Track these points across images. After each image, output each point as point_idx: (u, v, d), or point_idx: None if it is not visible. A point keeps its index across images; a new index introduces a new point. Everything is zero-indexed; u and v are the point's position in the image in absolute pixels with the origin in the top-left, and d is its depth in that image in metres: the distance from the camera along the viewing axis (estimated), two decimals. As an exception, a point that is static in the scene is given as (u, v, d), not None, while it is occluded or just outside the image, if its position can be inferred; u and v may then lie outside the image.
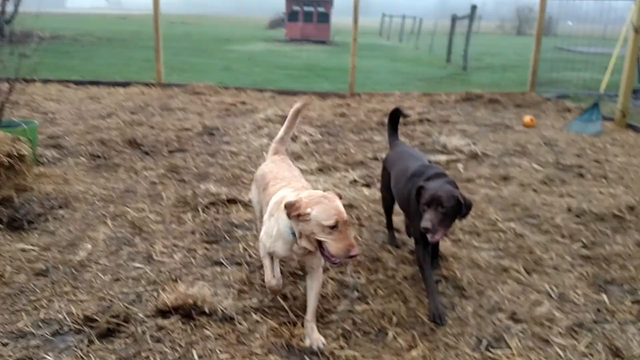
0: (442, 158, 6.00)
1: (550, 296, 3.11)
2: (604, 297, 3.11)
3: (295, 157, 5.86)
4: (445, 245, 3.72)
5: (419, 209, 2.90)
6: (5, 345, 2.49)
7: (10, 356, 2.41)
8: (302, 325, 2.68)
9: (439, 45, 23.92)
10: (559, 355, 2.57)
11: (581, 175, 5.49)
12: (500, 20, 56.67)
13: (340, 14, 32.39)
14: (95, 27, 32.74)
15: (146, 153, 5.79)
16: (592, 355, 2.58)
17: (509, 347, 2.62)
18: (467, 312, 2.93)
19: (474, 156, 6.10)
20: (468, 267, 3.45)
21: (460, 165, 5.76)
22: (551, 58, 11.29)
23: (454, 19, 19.05)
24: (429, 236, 2.81)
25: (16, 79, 5.12)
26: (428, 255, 3.01)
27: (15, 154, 4.21)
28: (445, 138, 6.63)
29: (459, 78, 14.46)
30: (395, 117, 3.93)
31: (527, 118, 7.92)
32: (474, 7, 16.80)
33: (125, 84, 10.34)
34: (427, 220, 2.76)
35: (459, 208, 2.81)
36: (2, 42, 5.18)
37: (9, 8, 17.43)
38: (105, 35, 25.82)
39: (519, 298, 3.08)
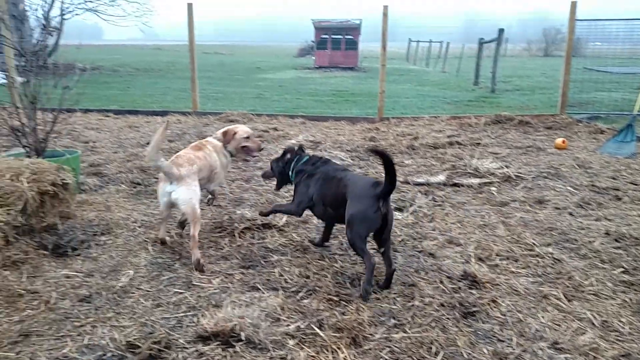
0: (475, 181, 5.96)
1: (593, 324, 3.04)
2: (650, 325, 3.02)
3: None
4: (482, 271, 3.69)
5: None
6: (53, 369, 2.57)
7: (58, 381, 2.49)
8: (340, 353, 2.69)
9: (465, 69, 23.94)
10: (605, 386, 2.51)
11: (618, 198, 5.37)
12: (526, 42, 56.25)
13: (367, 41, 32.79)
14: (133, 58, 34.00)
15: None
16: (639, 385, 2.51)
17: (552, 376, 2.57)
18: (507, 341, 2.88)
19: (507, 179, 6.05)
20: (507, 294, 3.41)
21: (493, 189, 5.72)
22: (580, 79, 11.16)
23: (481, 42, 19.06)
24: None
25: (60, 110, 5.36)
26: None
27: (60, 182, 4.37)
28: (477, 161, 6.60)
29: (488, 101, 14.39)
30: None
31: (559, 140, 7.82)
32: (501, 30, 16.82)
33: (162, 113, 10.69)
34: None
35: None
36: (46, 74, 5.41)
37: (51, 41, 18.32)
38: (142, 66, 26.78)
39: (560, 326, 3.02)
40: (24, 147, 5.12)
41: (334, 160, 4.29)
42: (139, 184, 5.70)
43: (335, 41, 30.33)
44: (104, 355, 2.69)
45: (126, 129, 8.95)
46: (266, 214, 4.28)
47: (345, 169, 4.07)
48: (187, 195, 3.74)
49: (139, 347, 2.71)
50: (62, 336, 2.86)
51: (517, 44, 54.91)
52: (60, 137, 7.45)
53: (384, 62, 10.69)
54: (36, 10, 5.68)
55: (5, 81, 5.57)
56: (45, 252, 3.86)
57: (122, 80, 19.06)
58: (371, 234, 3.47)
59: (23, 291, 3.26)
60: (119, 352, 2.70)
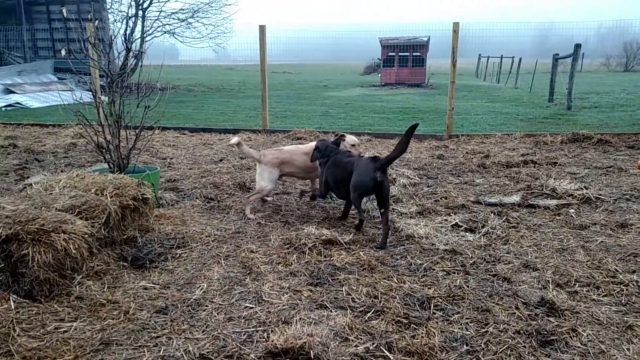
0: (552, 202, 5.70)
1: (687, 360, 2.81)
2: None
3: (394, 200, 5.88)
4: (561, 298, 3.50)
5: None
6: (132, 377, 2.69)
7: (136, 389, 2.60)
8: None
9: (539, 85, 23.08)
10: None
11: None
12: (605, 57, 53.38)
13: (435, 57, 32.42)
14: (206, 78, 35.52)
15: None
16: None
17: (641, 416, 2.39)
18: (589, 373, 2.72)
19: (586, 201, 5.74)
20: (588, 323, 3.22)
21: (572, 211, 5.44)
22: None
23: (556, 58, 18.32)
24: None
25: (142, 128, 5.68)
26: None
27: (140, 197, 4.63)
28: (554, 181, 6.31)
29: (564, 118, 13.76)
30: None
31: (643, 160, 7.34)
32: (577, 46, 16.09)
33: (234, 131, 11.07)
34: None
35: None
36: (130, 94, 5.77)
37: (133, 62, 19.54)
38: (215, 85, 27.92)
39: (648, 360, 2.81)
40: (107, 163, 5.46)
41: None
42: (212, 199, 5.91)
43: (403, 58, 30.22)
44: (179, 366, 2.79)
45: (200, 146, 9.33)
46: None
47: (351, 155, 5.09)
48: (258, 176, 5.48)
49: (211, 359, 2.79)
50: (139, 346, 2.99)
51: (594, 59, 52.32)
52: (139, 154, 7.89)
53: (453, 79, 10.53)
54: (120, 33, 6.08)
55: (92, 100, 5.98)
56: (125, 263, 4.08)
57: (197, 99, 19.94)
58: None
59: (105, 301, 3.46)
60: (193, 364, 2.79)
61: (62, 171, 7.04)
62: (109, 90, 5.47)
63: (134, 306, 3.43)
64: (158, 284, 3.77)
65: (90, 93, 5.95)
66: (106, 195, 4.31)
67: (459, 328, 3.17)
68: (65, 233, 3.68)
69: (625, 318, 3.27)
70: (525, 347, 2.96)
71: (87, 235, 3.84)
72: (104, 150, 5.44)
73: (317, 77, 40.93)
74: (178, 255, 4.29)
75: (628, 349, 2.92)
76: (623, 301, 3.50)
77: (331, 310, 3.39)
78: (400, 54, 30.13)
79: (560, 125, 12.07)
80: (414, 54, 30.01)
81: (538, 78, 25.10)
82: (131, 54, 6.06)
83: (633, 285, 3.71)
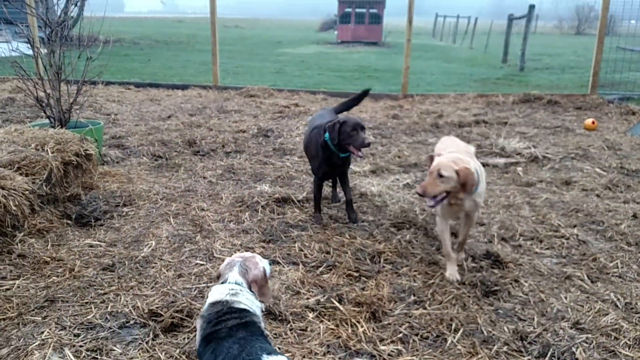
0: (501, 161, 5.85)
1: (616, 306, 2.98)
2: (678, 309, 2.94)
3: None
4: (505, 251, 3.64)
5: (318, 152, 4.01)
6: (77, 336, 2.62)
7: (81, 346, 2.54)
8: (359, 327, 2.70)
9: (494, 46, 23.36)
10: (629, 369, 2.46)
11: (649, 181, 5.22)
12: (558, 20, 54.48)
13: (392, 15, 32.15)
14: (153, 31, 34.00)
15: (205, 154, 5.96)
16: (665, 370, 2.46)
17: (575, 358, 2.53)
18: (528, 320, 2.85)
19: (534, 159, 5.92)
20: (530, 274, 3.36)
21: (519, 169, 5.60)
22: (614, 58, 10.77)
23: (511, 18, 18.52)
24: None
25: (83, 82, 5.38)
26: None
27: (83, 153, 4.43)
28: (503, 140, 6.46)
29: (516, 79, 14.04)
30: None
31: (588, 121, 7.60)
32: (531, 7, 16.27)
33: (183, 87, 10.69)
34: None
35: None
36: (70, 45, 5.43)
37: (74, 12, 18.35)
38: (163, 39, 26.76)
39: (582, 307, 2.97)
40: (48, 117, 5.17)
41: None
42: (160, 157, 5.73)
43: (359, 15, 29.78)
44: (127, 322, 2.74)
45: (147, 102, 8.98)
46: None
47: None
48: None
49: (161, 315, 2.75)
50: (86, 303, 2.91)
51: (548, 21, 53.29)
52: (82, 109, 7.50)
53: (409, 37, 10.45)
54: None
55: (30, 52, 5.60)
56: (69, 221, 3.93)
57: (143, 53, 19.10)
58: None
59: (48, 258, 3.33)
60: (142, 320, 2.74)
61: (-1, 126, 6.63)
62: (48, 41, 5.12)
63: (79, 264, 3.32)
64: (104, 242, 3.65)
65: (28, 44, 5.55)
66: (47, 150, 4.09)
67: (407, 280, 3.25)
68: (4, 189, 3.49)
69: (564, 269, 3.43)
70: (469, 297, 3.06)
71: (27, 192, 3.66)
72: (44, 104, 5.13)
73: (271, 32, 39.94)
74: (125, 213, 4.15)
75: (565, 297, 3.08)
76: (563, 253, 3.66)
77: (283, 266, 3.39)
78: (357, 9, 29.68)
79: (512, 87, 12.32)
80: (371, 10, 29.64)
81: (494, 38, 25.37)
82: (71, 1, 5.65)
83: (573, 238, 3.89)
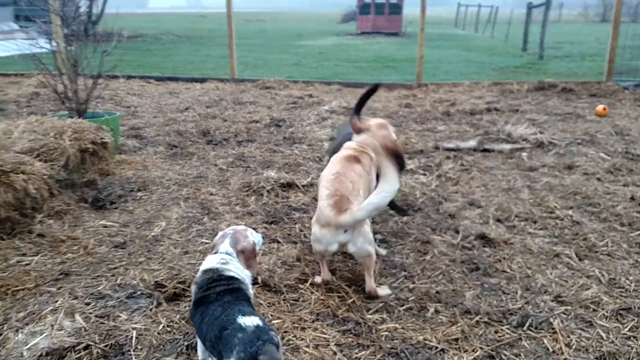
0: (506, 147, 5.93)
1: (600, 281, 3.09)
2: (660, 284, 3.04)
3: (356, 146, 6.02)
4: (498, 232, 3.76)
5: None
6: (87, 304, 2.87)
7: (91, 313, 2.78)
8: (347, 298, 2.88)
9: (515, 35, 23.04)
10: (601, 337, 2.58)
11: (652, 165, 5.24)
12: (583, 7, 53.14)
13: (413, 5, 31.93)
14: (176, 26, 34.51)
15: (218, 143, 6.19)
16: (636, 338, 2.57)
17: (552, 328, 2.66)
18: (512, 294, 2.98)
19: (539, 145, 5.97)
20: (520, 252, 3.48)
21: (524, 154, 5.68)
22: (637, 45, 10.61)
23: (530, 6, 18.29)
24: None
25: (99, 75, 5.66)
26: None
27: (99, 141, 4.69)
28: (510, 127, 6.52)
29: (535, 67, 13.92)
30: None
31: (599, 107, 7.58)
32: (550, -6, 16.08)
33: (201, 80, 10.96)
34: None
35: None
36: (87, 41, 5.70)
37: (96, 9, 18.87)
38: (185, 34, 27.17)
39: (566, 282, 3.09)
40: (66, 109, 5.46)
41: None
42: (175, 146, 5.98)
43: (379, 5, 29.65)
44: (134, 292, 2.98)
45: (166, 95, 9.27)
46: None
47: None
48: None
49: (165, 286, 2.98)
50: (97, 276, 3.16)
51: (573, 9, 52.08)
52: (103, 102, 7.84)
53: (422, 26, 10.50)
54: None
55: (52, 48, 5.90)
56: (85, 204, 4.20)
57: (164, 48, 19.49)
58: None
59: (65, 237, 3.60)
60: (148, 291, 2.97)
61: (25, 119, 6.98)
62: (65, 36, 5.40)
63: (93, 242, 3.58)
64: (118, 223, 3.90)
65: (50, 41, 5.85)
66: (65, 138, 4.36)
67: (400, 258, 3.41)
68: (25, 174, 3.77)
69: (554, 248, 3.54)
70: (457, 272, 3.21)
71: (46, 177, 3.93)
72: (62, 96, 5.42)
73: (292, 25, 40.09)
74: (138, 197, 4.41)
75: (551, 273, 3.20)
76: (556, 233, 3.77)
77: (282, 244, 3.59)
78: (376, 0, 29.57)
79: (530, 75, 12.23)
80: (391, 0, 29.50)
81: (515, 27, 25.01)
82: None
83: (567, 219, 3.98)
